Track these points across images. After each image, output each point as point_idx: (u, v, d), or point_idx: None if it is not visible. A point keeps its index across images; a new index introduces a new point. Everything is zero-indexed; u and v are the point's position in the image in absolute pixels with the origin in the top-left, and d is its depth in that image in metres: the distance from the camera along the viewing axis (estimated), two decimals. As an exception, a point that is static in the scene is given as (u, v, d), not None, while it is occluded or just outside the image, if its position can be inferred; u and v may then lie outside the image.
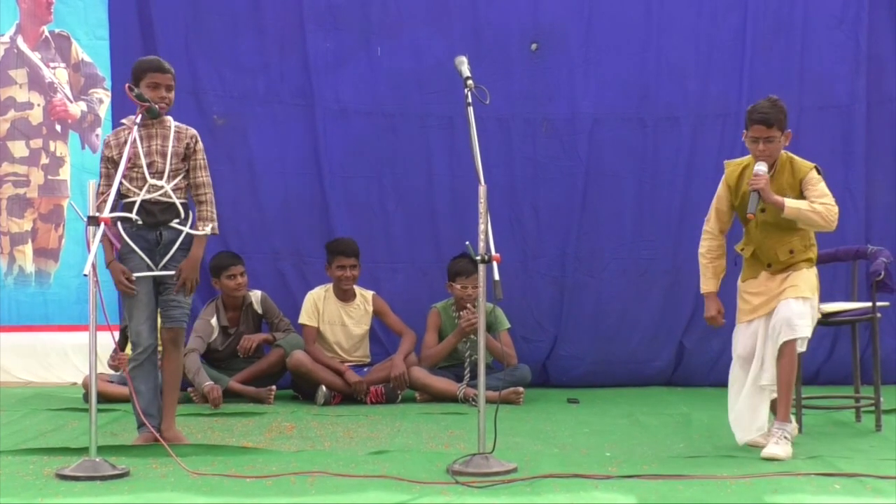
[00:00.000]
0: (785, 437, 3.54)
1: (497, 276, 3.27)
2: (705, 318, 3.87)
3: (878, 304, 4.13)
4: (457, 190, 5.41)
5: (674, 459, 3.53)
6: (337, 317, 5.18)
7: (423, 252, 5.50)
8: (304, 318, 5.15)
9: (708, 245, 3.85)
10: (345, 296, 5.20)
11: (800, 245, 3.70)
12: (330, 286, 5.21)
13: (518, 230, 5.47)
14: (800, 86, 5.40)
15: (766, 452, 3.51)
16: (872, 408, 4.13)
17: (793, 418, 3.69)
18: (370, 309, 5.23)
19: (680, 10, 5.46)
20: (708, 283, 3.83)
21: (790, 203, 3.61)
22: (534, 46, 5.45)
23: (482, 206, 3.34)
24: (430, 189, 5.50)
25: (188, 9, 5.40)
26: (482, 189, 3.34)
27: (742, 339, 3.74)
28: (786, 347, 3.58)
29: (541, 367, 5.51)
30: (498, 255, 3.33)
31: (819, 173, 3.69)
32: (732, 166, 3.81)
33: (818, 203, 3.62)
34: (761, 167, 3.64)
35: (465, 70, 3.56)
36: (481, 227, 3.34)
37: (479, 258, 3.34)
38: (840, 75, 5.45)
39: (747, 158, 3.78)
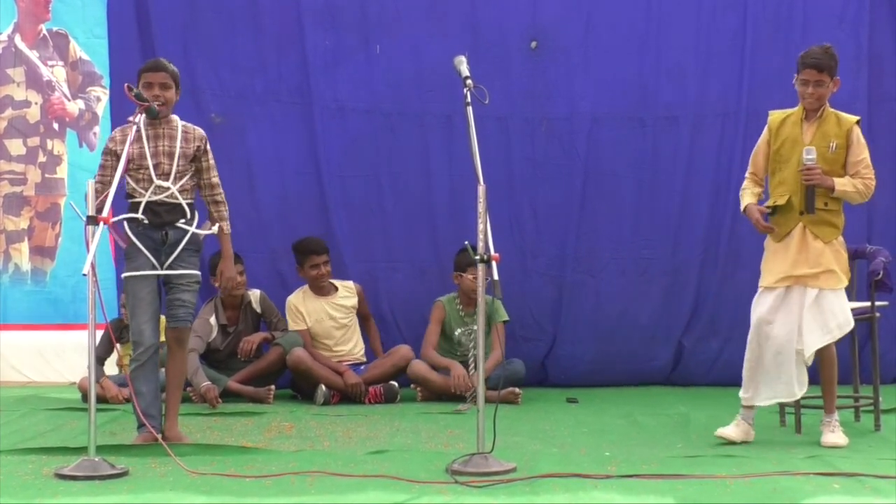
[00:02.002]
0: (839, 426, 3.76)
1: (496, 276, 3.27)
2: (754, 224, 3.84)
3: (877, 303, 4.13)
4: (455, 189, 5.41)
5: (672, 459, 3.53)
6: (323, 313, 5.18)
7: (421, 251, 5.50)
8: (292, 325, 5.17)
9: (747, 182, 3.96)
10: (324, 291, 5.19)
11: (833, 201, 3.79)
12: (305, 287, 5.22)
13: (517, 230, 5.47)
14: (800, 85, 5.40)
15: (826, 441, 3.72)
16: (871, 407, 4.14)
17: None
18: (356, 297, 5.24)
19: (679, 10, 5.45)
20: (745, 199, 3.91)
21: (839, 186, 3.74)
22: (533, 45, 5.44)
23: (481, 206, 3.34)
24: (428, 188, 5.50)
25: (186, 7, 5.39)
26: (481, 189, 3.34)
27: (767, 303, 3.75)
28: (830, 345, 3.75)
29: (540, 367, 5.51)
30: (497, 254, 3.33)
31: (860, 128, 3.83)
32: (777, 114, 3.92)
33: (860, 179, 3.78)
34: (810, 156, 3.72)
35: (465, 70, 3.56)
36: (480, 226, 3.34)
37: (478, 258, 3.34)
38: (841, 74, 5.42)
39: (792, 110, 3.87)
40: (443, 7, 5.46)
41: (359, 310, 5.29)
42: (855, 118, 3.85)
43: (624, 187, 5.48)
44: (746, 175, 3.98)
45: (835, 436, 3.76)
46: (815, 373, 5.40)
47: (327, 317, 5.18)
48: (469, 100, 3.47)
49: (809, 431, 4.00)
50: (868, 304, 4.11)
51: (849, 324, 3.74)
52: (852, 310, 4.14)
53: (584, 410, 4.79)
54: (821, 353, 3.77)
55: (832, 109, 3.84)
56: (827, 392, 3.83)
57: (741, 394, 3.85)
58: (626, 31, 5.45)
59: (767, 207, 3.85)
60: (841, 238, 3.83)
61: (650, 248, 5.45)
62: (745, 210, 3.91)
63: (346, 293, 5.24)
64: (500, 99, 5.17)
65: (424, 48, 5.41)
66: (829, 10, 5.43)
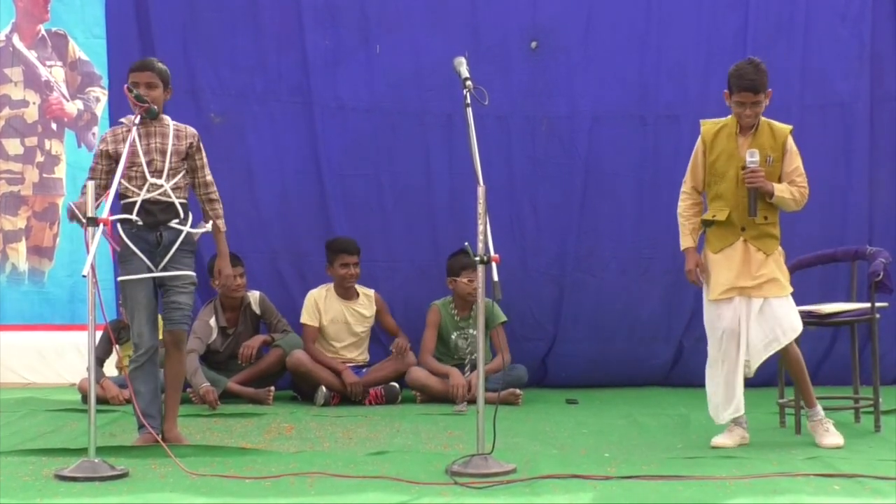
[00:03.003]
0: (829, 421, 3.79)
1: (496, 277, 3.27)
2: (686, 273, 3.89)
3: (877, 304, 4.12)
4: (455, 188, 5.40)
5: (672, 460, 3.52)
6: (340, 315, 5.17)
7: (421, 250, 5.49)
8: (305, 318, 5.15)
9: (685, 204, 3.92)
10: (347, 294, 5.19)
11: (772, 214, 3.80)
12: (331, 285, 5.21)
13: (517, 229, 5.46)
14: (802, 83, 5.38)
15: (826, 443, 3.71)
16: (871, 408, 4.13)
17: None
18: (374, 307, 5.23)
19: (680, 8, 5.44)
20: (686, 240, 3.89)
21: (778, 192, 3.75)
22: (533, 44, 5.43)
23: (481, 207, 3.33)
24: (428, 187, 5.49)
25: (185, 7, 5.38)
26: (481, 190, 3.34)
27: (728, 314, 3.74)
28: (790, 346, 3.74)
29: (540, 366, 5.51)
30: (497, 255, 3.32)
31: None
32: (709, 125, 3.88)
33: (796, 188, 3.78)
34: (753, 158, 3.71)
35: (464, 71, 3.55)
36: (480, 227, 3.33)
37: (477, 259, 3.33)
38: (842, 73, 5.44)
39: (724, 120, 3.85)
40: (443, 7, 5.45)
41: (384, 323, 5.26)
42: (788, 127, 3.82)
43: (625, 186, 5.47)
44: (684, 189, 3.89)
45: (831, 435, 3.76)
46: (814, 373, 5.41)
47: (342, 320, 5.17)
48: (469, 101, 3.47)
49: (809, 432, 3.99)
50: (868, 305, 4.10)
51: (794, 329, 3.73)
52: (852, 311, 4.15)
53: (584, 411, 4.79)
54: (784, 355, 3.79)
55: (765, 119, 3.81)
56: (801, 389, 3.85)
57: (713, 413, 3.82)
58: (626, 29, 5.44)
59: (704, 220, 3.83)
60: (780, 248, 3.82)
61: (651, 248, 5.44)
62: (684, 250, 3.88)
63: (366, 301, 5.22)
64: (501, 98, 5.17)
65: (424, 47, 5.40)
66: (831, 8, 5.41)
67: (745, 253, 3.75)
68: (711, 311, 3.81)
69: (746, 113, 3.73)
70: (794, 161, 3.80)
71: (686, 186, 3.92)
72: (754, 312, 3.71)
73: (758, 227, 3.75)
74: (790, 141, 3.81)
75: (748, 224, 3.75)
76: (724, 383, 3.77)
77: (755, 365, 3.75)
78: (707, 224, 3.84)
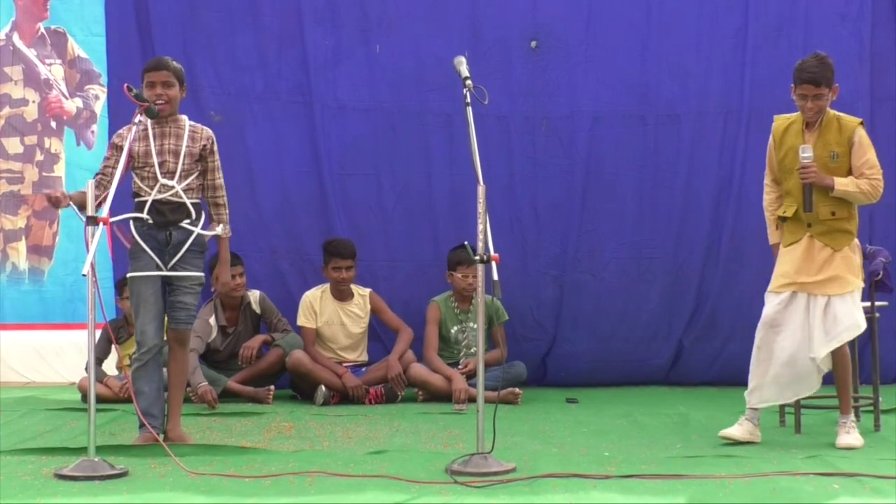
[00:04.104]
0: (854, 427, 3.77)
1: (496, 276, 3.27)
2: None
3: (877, 303, 4.13)
4: (456, 187, 5.40)
5: (672, 459, 3.52)
6: (335, 316, 5.18)
7: (422, 250, 5.49)
8: (301, 321, 5.15)
9: (769, 198, 3.94)
10: (342, 295, 5.19)
11: (842, 209, 3.76)
12: (326, 286, 5.21)
13: (517, 229, 5.46)
14: (801, 84, 5.39)
15: (842, 443, 3.70)
16: (871, 407, 4.14)
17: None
18: (368, 307, 5.22)
19: (681, 7, 5.44)
20: (773, 235, 3.92)
21: (839, 185, 3.70)
22: (533, 44, 5.43)
23: (481, 207, 3.33)
24: (429, 186, 5.49)
25: (185, 5, 5.38)
26: (481, 189, 3.34)
27: (774, 305, 3.75)
28: (843, 347, 3.74)
29: (540, 366, 5.51)
30: (497, 255, 3.32)
31: (864, 129, 3.79)
32: (780, 120, 3.90)
33: (864, 180, 3.73)
34: (806, 154, 3.70)
35: (464, 70, 3.55)
36: (480, 227, 3.33)
37: (477, 258, 3.33)
38: (843, 72, 5.36)
39: (794, 116, 3.85)
40: (443, 6, 5.45)
41: (385, 321, 5.24)
42: (857, 120, 3.81)
43: (625, 186, 5.47)
44: (766, 182, 3.96)
45: (850, 437, 3.74)
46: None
47: (338, 322, 5.16)
48: (469, 100, 3.47)
49: (809, 431, 4.00)
50: (868, 304, 4.10)
51: (857, 327, 3.72)
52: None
53: (584, 410, 4.79)
54: (834, 356, 3.76)
55: (834, 112, 3.81)
56: (840, 394, 3.83)
57: (746, 395, 3.84)
58: (626, 29, 5.44)
59: (779, 217, 3.86)
60: (855, 241, 3.80)
61: (651, 248, 5.44)
62: (772, 245, 3.93)
63: (360, 301, 5.21)
64: (501, 98, 5.18)
65: (425, 47, 5.40)
66: (831, 7, 5.42)
67: (810, 248, 3.74)
68: (772, 303, 3.80)
69: (808, 106, 3.71)
70: (864, 153, 3.74)
71: (767, 179, 3.95)
72: (818, 310, 3.70)
73: (824, 222, 3.73)
74: (859, 133, 3.75)
75: (814, 220, 3.73)
76: (759, 371, 3.77)
77: (821, 362, 3.72)
78: (782, 220, 3.84)
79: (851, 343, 4.27)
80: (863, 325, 3.74)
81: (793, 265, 3.74)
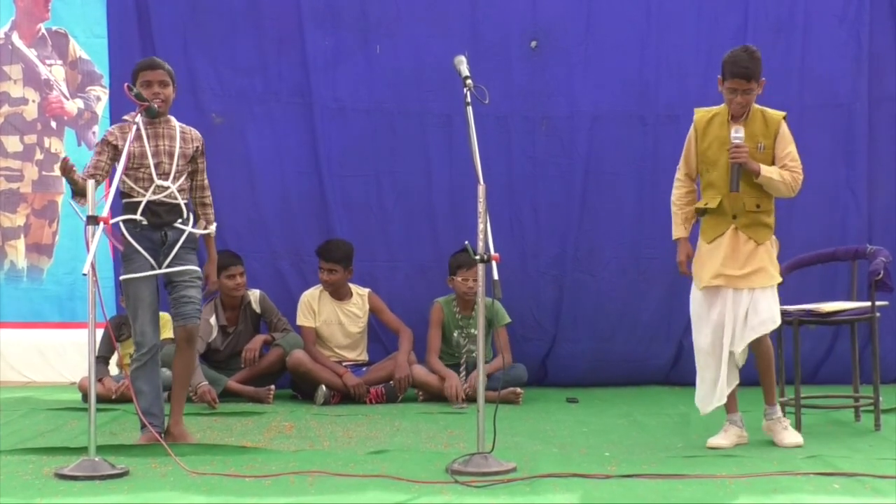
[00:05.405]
0: (788, 422, 3.76)
1: (496, 276, 3.27)
2: (677, 264, 3.90)
3: (877, 303, 4.13)
4: (456, 188, 5.40)
5: (672, 459, 3.53)
6: (333, 316, 5.18)
7: (422, 250, 5.49)
8: (301, 320, 5.15)
9: (679, 192, 3.92)
10: (340, 295, 5.19)
11: (765, 202, 3.76)
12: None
13: (517, 229, 5.46)
14: (801, 84, 5.39)
15: (789, 441, 3.69)
16: (871, 407, 4.13)
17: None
18: (366, 307, 5.23)
19: (680, 8, 5.44)
20: (679, 229, 3.90)
21: (765, 171, 3.70)
22: (533, 44, 5.44)
23: (481, 206, 3.33)
24: (428, 187, 5.49)
25: (186, 7, 5.38)
26: (481, 189, 3.34)
27: (717, 305, 3.74)
28: (764, 338, 3.72)
29: (540, 366, 5.51)
30: (497, 254, 3.33)
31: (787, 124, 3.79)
32: (702, 112, 3.88)
33: (787, 172, 3.74)
34: (738, 134, 3.69)
35: (464, 70, 3.56)
36: (480, 226, 3.33)
37: (478, 258, 3.34)
38: (841, 73, 5.44)
39: (718, 108, 3.84)
40: (443, 7, 5.45)
41: (384, 321, 5.24)
42: (781, 114, 3.80)
43: (625, 186, 5.47)
44: (678, 177, 3.91)
45: (791, 434, 3.74)
46: (815, 372, 5.42)
47: (336, 321, 5.16)
48: (469, 100, 3.47)
49: (809, 431, 4.00)
50: (868, 304, 4.10)
51: (773, 322, 3.70)
52: (852, 310, 4.14)
53: (584, 410, 4.79)
54: (755, 348, 3.75)
55: (758, 107, 3.79)
56: (765, 384, 3.79)
57: (698, 403, 3.85)
58: (626, 29, 5.44)
59: (697, 209, 3.83)
60: (774, 237, 3.80)
61: (651, 248, 5.43)
62: (675, 240, 3.90)
63: (359, 300, 5.21)
64: (501, 98, 5.17)
65: (424, 48, 5.41)
66: (830, 8, 5.42)
67: (735, 241, 3.73)
68: (699, 301, 3.80)
69: (737, 100, 3.70)
70: (787, 146, 3.75)
71: (679, 174, 3.92)
72: (741, 303, 3.69)
73: (749, 214, 3.73)
74: (783, 127, 3.77)
75: (739, 212, 3.73)
76: (710, 375, 3.77)
77: (738, 355, 3.73)
78: (701, 213, 3.82)
79: (851, 342, 4.29)
80: (778, 321, 3.72)
81: (718, 259, 3.72)
